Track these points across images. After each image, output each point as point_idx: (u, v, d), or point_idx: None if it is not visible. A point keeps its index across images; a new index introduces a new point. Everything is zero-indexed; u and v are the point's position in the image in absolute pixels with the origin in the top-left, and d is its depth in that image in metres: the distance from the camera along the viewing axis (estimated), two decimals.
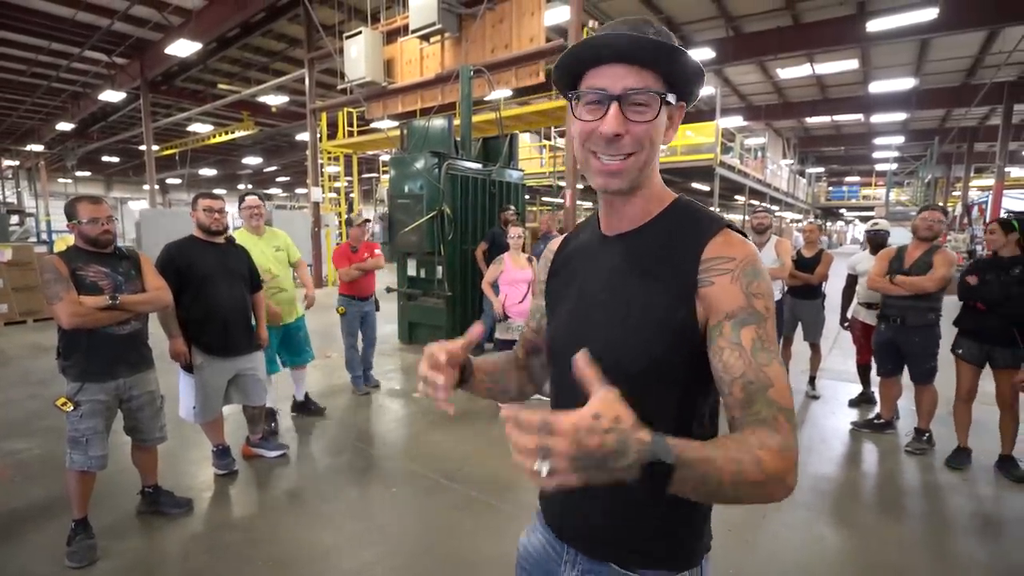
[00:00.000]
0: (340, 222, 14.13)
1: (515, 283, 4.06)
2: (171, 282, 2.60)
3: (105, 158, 27.82)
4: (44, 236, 20.33)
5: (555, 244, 0.99)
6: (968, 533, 2.59)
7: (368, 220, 4.70)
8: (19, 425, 3.86)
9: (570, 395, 0.73)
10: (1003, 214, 12.14)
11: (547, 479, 0.53)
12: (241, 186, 36.61)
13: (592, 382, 0.59)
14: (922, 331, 3.37)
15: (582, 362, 0.61)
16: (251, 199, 3.53)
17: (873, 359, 3.80)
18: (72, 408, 2.25)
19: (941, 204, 4.55)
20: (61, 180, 30.90)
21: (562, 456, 0.52)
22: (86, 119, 19.06)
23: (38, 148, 22.27)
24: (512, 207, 6.08)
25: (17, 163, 25.12)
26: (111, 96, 14.82)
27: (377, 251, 4.54)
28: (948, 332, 3.36)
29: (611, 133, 0.73)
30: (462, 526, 2.59)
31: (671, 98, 0.75)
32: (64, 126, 18.88)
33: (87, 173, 31.62)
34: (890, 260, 3.49)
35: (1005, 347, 3.04)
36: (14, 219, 17.79)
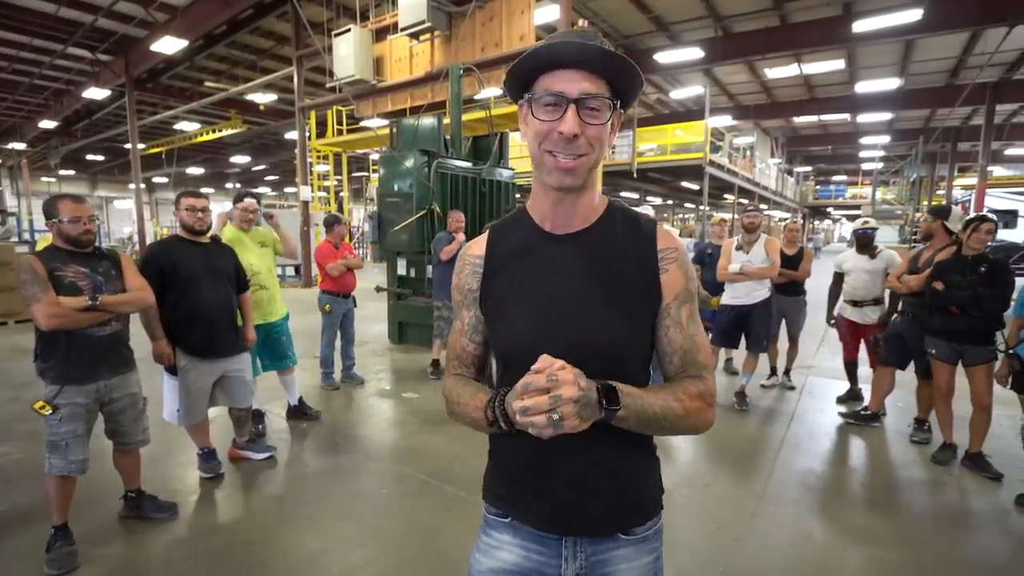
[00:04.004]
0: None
1: None
2: (154, 282, 2.54)
3: (89, 156, 27.38)
4: (26, 236, 19.95)
5: (476, 250, 0.96)
6: (954, 528, 2.61)
7: (339, 218, 4.76)
8: None
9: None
10: (986, 212, 12.30)
11: (556, 429, 0.68)
12: (229, 185, 36.22)
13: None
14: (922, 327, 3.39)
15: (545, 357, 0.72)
16: (249, 202, 3.51)
17: (882, 347, 3.81)
18: (51, 411, 2.20)
19: (940, 204, 4.68)
20: (44, 179, 30.36)
21: (570, 401, 0.68)
22: (70, 117, 18.74)
23: (20, 146, 21.84)
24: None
25: None
26: (95, 93, 14.60)
27: (355, 252, 4.60)
28: None
29: (571, 133, 0.77)
30: (452, 527, 2.58)
31: (617, 104, 0.81)
32: (47, 124, 18.55)
33: (71, 172, 31.10)
34: (910, 260, 3.59)
35: (975, 345, 3.08)
36: None
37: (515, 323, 0.89)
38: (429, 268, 5.92)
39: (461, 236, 4.77)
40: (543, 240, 0.90)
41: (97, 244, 2.37)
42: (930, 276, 3.20)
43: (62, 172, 28.83)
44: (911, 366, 3.57)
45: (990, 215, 3.18)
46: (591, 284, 0.86)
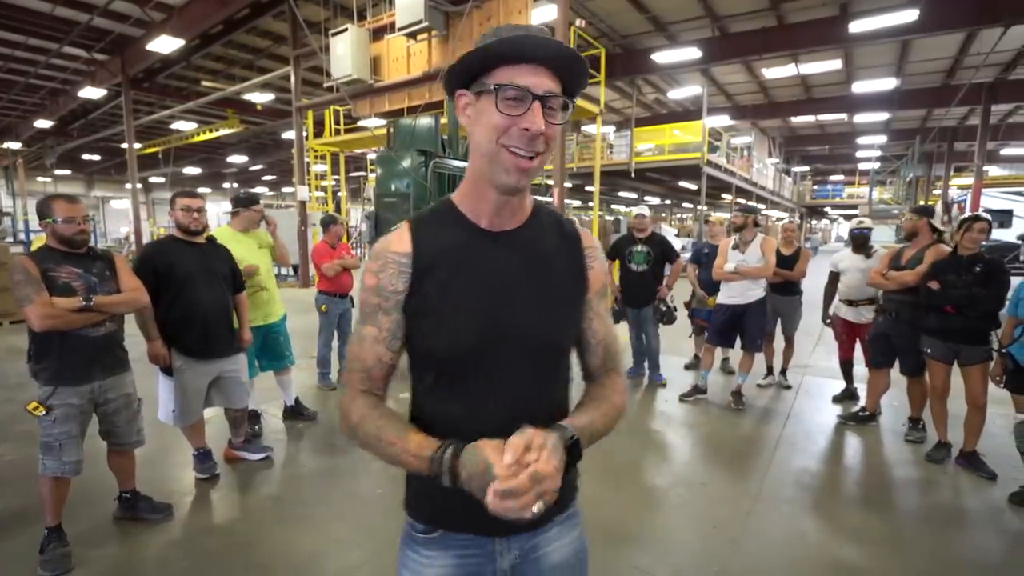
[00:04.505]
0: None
1: None
2: (148, 283, 2.54)
3: (86, 156, 27.29)
4: (22, 236, 19.87)
5: (398, 246, 0.85)
6: (948, 527, 2.62)
7: (336, 218, 4.77)
8: None
9: (486, 390, 0.85)
10: (981, 212, 12.36)
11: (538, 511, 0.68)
12: (226, 184, 36.13)
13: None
14: (914, 326, 3.40)
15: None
16: (261, 205, 3.65)
17: (869, 349, 3.83)
18: (44, 413, 2.19)
19: (923, 204, 4.70)
20: (40, 179, 30.22)
21: (553, 489, 0.69)
22: (66, 116, 18.67)
23: (16, 146, 21.76)
24: None
25: None
26: (91, 93, 14.55)
27: (353, 252, 4.63)
28: None
29: (539, 130, 0.76)
30: None
31: (570, 105, 0.82)
32: (43, 123, 18.45)
33: (67, 171, 30.98)
34: (891, 258, 3.60)
35: (971, 345, 3.07)
36: None
37: (458, 325, 0.83)
38: None
39: None
40: (481, 238, 0.86)
41: (91, 245, 2.36)
42: (925, 275, 3.20)
43: (58, 172, 28.72)
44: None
45: (983, 214, 3.19)
46: (532, 281, 0.86)
